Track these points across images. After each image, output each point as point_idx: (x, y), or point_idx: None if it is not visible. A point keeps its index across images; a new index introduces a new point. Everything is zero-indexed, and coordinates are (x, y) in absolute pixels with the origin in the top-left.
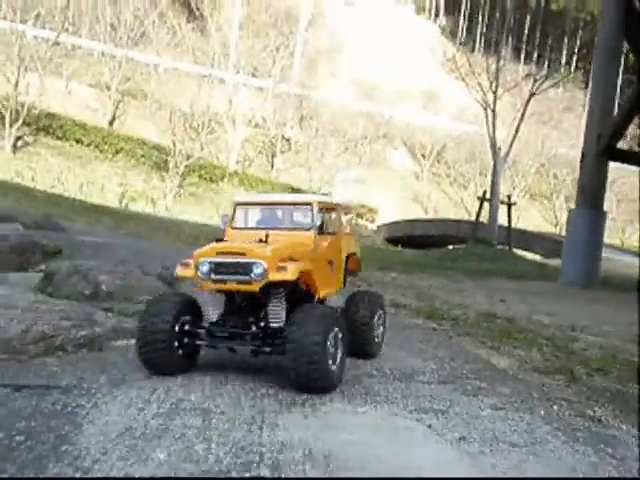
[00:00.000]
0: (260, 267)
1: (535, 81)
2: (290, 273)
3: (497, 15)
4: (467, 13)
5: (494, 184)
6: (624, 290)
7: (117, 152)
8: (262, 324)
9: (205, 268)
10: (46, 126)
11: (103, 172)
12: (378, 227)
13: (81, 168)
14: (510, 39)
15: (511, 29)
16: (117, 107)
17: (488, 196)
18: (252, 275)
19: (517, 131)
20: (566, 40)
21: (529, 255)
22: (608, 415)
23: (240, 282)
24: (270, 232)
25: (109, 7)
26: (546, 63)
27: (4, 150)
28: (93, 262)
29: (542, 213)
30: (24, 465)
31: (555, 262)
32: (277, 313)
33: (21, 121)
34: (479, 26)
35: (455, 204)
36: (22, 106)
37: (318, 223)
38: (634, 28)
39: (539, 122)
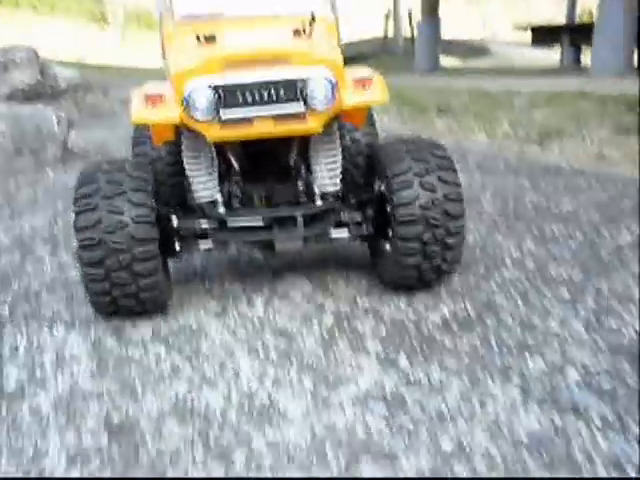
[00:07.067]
0: (325, 85)
1: None
2: (381, 93)
3: None
4: None
5: (395, 2)
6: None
7: (52, 9)
8: (316, 192)
9: (204, 100)
10: None
11: (45, 32)
12: None
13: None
14: None
15: None
16: None
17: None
18: (311, 101)
19: None
20: None
21: (445, 60)
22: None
23: (282, 119)
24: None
25: None
26: None
27: None
28: None
29: (475, 19)
30: None
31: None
32: (334, 169)
33: None
34: None
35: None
36: None
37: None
38: None
39: None
